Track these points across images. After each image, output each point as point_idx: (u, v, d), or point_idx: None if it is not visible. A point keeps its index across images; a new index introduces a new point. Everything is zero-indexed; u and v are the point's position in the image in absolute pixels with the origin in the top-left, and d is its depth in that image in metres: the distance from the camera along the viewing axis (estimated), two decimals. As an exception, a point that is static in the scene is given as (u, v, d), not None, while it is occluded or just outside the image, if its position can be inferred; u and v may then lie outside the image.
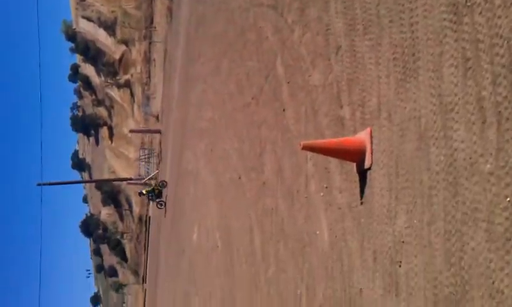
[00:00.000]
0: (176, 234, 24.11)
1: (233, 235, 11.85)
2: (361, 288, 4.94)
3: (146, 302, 46.24)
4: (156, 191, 27.11)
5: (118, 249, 76.92)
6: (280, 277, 7.89)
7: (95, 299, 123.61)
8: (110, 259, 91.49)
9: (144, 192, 28.44)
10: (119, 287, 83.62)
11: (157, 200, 27.45)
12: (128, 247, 71.36)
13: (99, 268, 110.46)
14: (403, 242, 4.22)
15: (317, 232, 6.30)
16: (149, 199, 28.16)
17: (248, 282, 10.07)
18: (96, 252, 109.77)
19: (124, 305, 77.99)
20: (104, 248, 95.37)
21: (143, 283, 50.33)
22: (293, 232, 7.41)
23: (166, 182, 26.99)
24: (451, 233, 3.60)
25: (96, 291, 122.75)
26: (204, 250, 15.92)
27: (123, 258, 75.91)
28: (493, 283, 3.16)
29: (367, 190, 4.96)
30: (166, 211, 26.17)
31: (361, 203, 5.06)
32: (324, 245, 6.07)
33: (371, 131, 4.92)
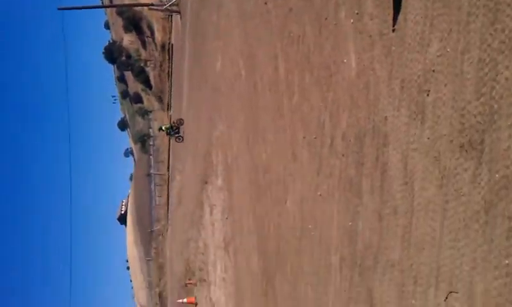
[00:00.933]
0: (200, 62, 24.13)
1: (257, 63, 11.80)
2: (386, 116, 5.00)
3: (171, 128, 47.95)
4: (174, 127, 31.10)
5: (141, 76, 77.62)
6: (304, 105, 8.00)
7: (122, 124, 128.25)
8: (134, 86, 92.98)
9: (163, 128, 32.34)
10: (144, 113, 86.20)
11: (176, 135, 31.81)
12: (152, 74, 71.92)
13: (124, 94, 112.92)
14: (434, 70, 4.16)
15: (345, 60, 6.22)
16: (167, 134, 31.47)
17: (271, 109, 10.26)
18: (121, 79, 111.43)
19: (150, 130, 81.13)
20: (128, 75, 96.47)
21: (167, 110, 51.70)
22: (319, 61, 7.33)
23: (183, 120, 30.83)
24: (485, 62, 3.51)
25: (123, 116, 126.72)
26: (227, 78, 16.02)
27: (148, 85, 76.98)
28: (523, 112, 3.15)
29: (400, 17, 4.77)
30: (183, 140, 30.90)
31: (393, 31, 4.90)
32: (350, 74, 6.04)
33: (410, -48, 4.57)
